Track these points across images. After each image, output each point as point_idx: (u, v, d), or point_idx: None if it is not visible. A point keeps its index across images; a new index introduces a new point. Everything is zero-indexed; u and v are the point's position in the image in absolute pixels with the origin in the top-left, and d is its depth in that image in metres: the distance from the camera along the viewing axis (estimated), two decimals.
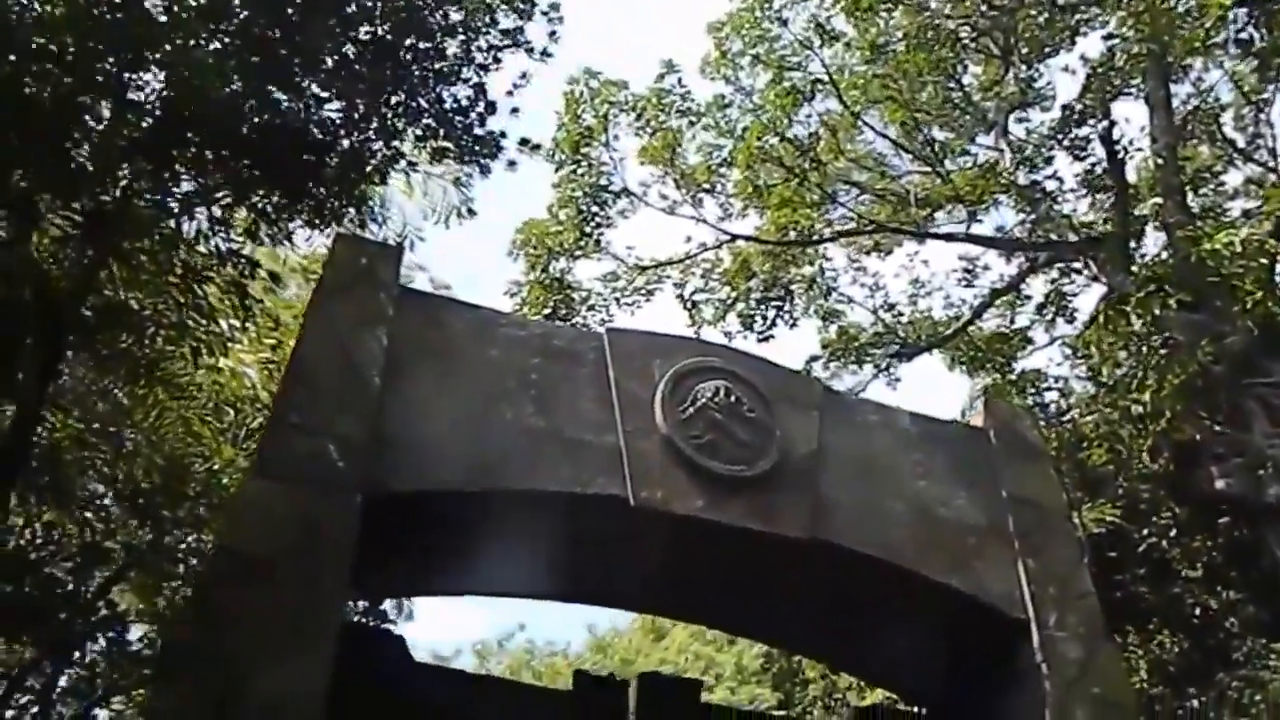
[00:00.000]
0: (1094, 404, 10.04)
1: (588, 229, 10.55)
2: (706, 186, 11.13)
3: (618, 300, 11.04)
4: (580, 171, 10.59)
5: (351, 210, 5.49)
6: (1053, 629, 6.17)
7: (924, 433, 6.99)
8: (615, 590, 6.68)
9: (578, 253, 10.57)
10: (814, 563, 6.24)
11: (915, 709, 7.97)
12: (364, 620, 9.25)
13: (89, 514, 6.57)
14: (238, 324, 6.46)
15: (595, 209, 10.55)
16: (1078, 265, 10.86)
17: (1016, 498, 6.81)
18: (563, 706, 6.24)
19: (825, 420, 6.64)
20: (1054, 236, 10.14)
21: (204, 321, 5.97)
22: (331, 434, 5.26)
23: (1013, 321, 12.65)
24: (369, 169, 5.34)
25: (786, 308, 11.18)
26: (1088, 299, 12.68)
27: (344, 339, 5.65)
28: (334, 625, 4.66)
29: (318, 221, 5.28)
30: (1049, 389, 12.42)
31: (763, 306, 10.98)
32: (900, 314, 12.12)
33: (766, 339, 11.40)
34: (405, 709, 5.48)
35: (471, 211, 7.37)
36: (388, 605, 15.71)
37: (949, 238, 11.24)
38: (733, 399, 6.36)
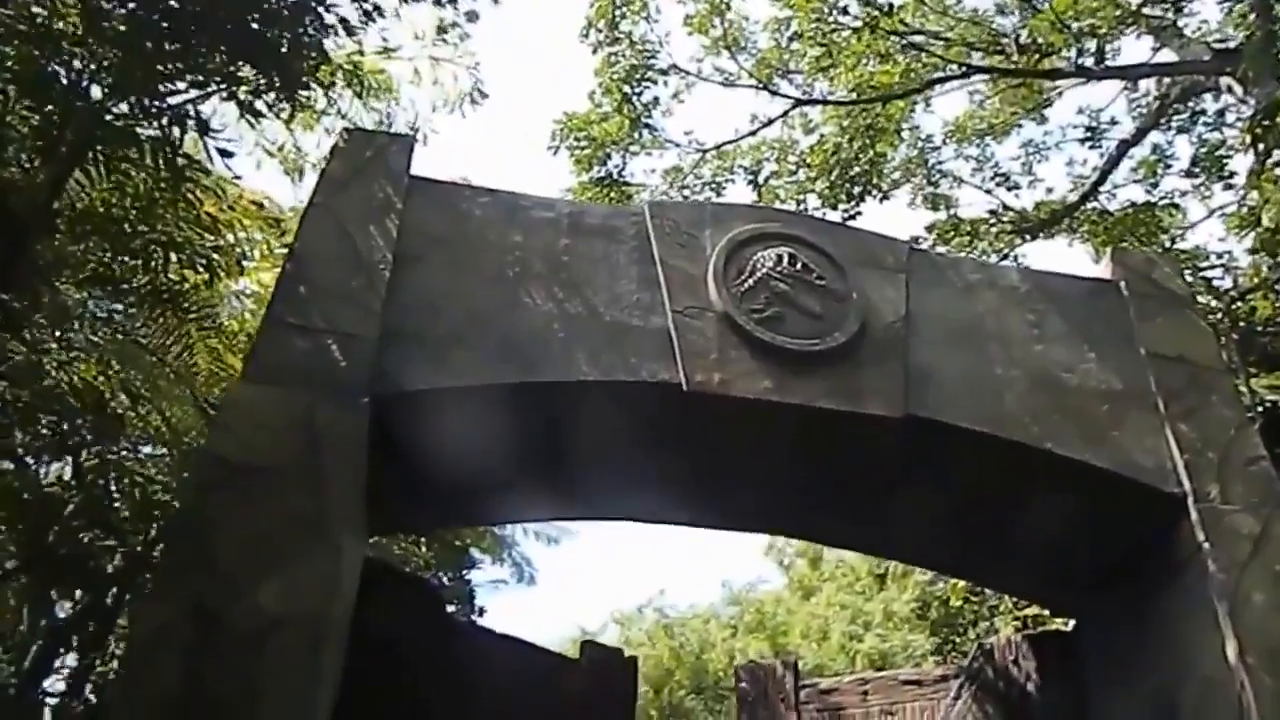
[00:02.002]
0: (1257, 257, 8.68)
1: (637, 115, 9.77)
2: (779, 69, 10.17)
3: (684, 198, 10.25)
4: (621, 51, 9.80)
5: (325, 83, 5.02)
6: (1215, 502, 5.23)
7: (1038, 290, 6.07)
8: (678, 504, 6.03)
9: (631, 146, 9.84)
10: (912, 448, 5.47)
11: (1064, 624, 7.07)
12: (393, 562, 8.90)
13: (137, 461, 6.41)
14: (246, 236, 6.14)
15: (643, 90, 9.73)
16: (1217, 91, 9.34)
17: (1159, 355, 5.83)
18: (574, 674, 5.82)
19: (915, 283, 5.83)
20: (1185, 57, 8.72)
21: (206, 235, 5.67)
22: (334, 332, 4.84)
23: (1156, 186, 11.17)
24: (329, 20, 4.84)
25: (875, 181, 10.03)
26: (1243, 163, 11.14)
27: (348, 231, 5.21)
28: (344, 538, 4.23)
29: (283, 89, 4.80)
30: (1210, 266, 10.98)
31: (848, 184, 9.90)
32: (1015, 185, 10.82)
33: (853, 218, 10.35)
34: (420, 655, 5.11)
35: (483, 94, 6.83)
36: (507, 572, 15.61)
37: (1056, 74, 9.87)
38: (799, 266, 5.63)
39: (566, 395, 5.10)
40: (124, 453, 6.11)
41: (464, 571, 12.05)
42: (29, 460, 6.57)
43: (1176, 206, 10.89)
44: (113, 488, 6.40)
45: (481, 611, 12.86)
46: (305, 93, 5.15)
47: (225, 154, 5.10)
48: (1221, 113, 10.27)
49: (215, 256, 5.69)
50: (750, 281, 5.51)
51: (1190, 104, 10.16)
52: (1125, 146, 10.74)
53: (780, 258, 5.62)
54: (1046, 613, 8.05)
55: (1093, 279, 6.29)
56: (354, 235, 5.20)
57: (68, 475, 6.76)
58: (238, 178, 5.62)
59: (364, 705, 4.75)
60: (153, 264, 5.55)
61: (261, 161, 7.57)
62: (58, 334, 5.22)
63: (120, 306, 5.91)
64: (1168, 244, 10.70)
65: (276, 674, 3.71)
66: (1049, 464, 5.39)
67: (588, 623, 26.52)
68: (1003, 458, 5.45)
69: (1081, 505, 5.59)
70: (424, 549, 9.61)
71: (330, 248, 5.13)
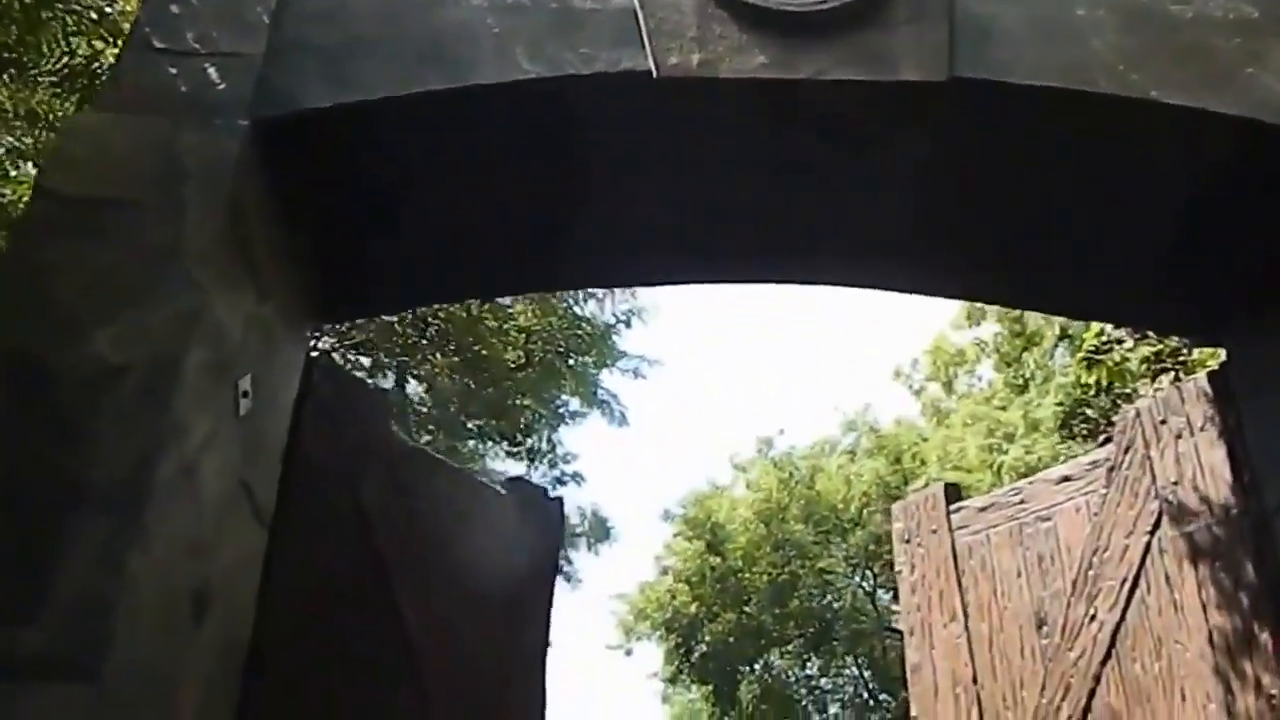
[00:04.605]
0: None
1: None
2: None
3: None
4: None
5: None
6: None
7: None
8: (661, 247, 4.93)
9: None
10: (968, 127, 4.24)
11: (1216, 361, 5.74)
12: (343, 367, 8.28)
13: None
14: None
15: None
16: None
17: None
18: (502, 507, 5.35)
19: None
20: None
21: None
22: (210, 53, 3.96)
23: None
24: None
25: None
26: None
27: None
28: (209, 277, 3.44)
29: None
30: None
31: None
32: None
33: None
34: (364, 466, 4.53)
35: None
36: (611, 404, 14.94)
37: None
38: None
39: (510, 107, 4.10)
40: None
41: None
42: None
43: None
44: None
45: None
46: None
47: None
48: None
49: (109, 11, 4.90)
50: None
51: None
52: None
53: None
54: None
55: None
56: None
57: None
58: None
59: (302, 515, 4.17)
60: (56, 37, 4.84)
61: None
62: None
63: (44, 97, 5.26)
64: None
65: (112, 429, 2.98)
66: (1157, 121, 4.07)
67: (716, 475, 26.13)
68: (1093, 122, 4.16)
69: (1209, 177, 4.27)
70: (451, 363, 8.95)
71: None
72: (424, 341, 9.07)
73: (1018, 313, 17.07)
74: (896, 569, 6.47)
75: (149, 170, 3.53)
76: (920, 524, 6.19)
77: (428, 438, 11.87)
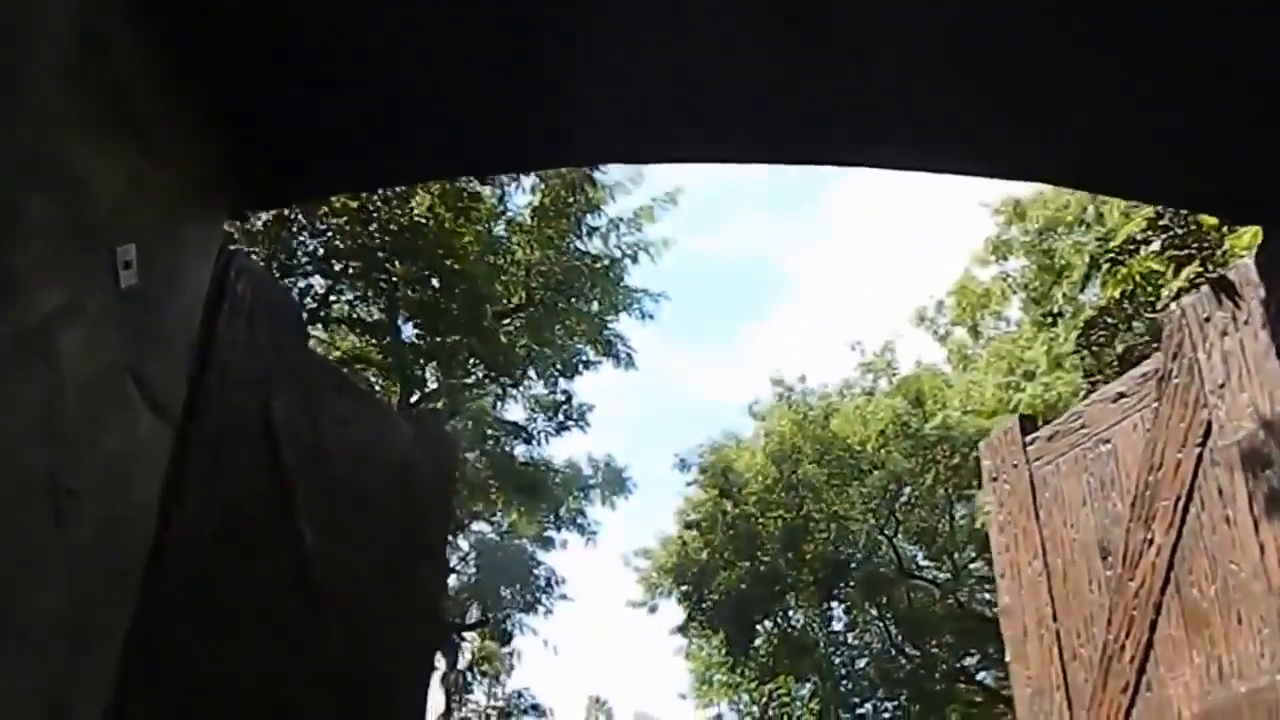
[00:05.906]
0: None
1: None
2: None
3: None
4: None
5: None
6: None
7: None
8: (655, 117, 4.17)
9: None
10: None
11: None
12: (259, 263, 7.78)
13: None
14: None
15: None
16: None
17: None
18: (404, 438, 5.20)
19: None
20: None
21: None
22: None
23: None
24: None
25: None
26: None
27: None
28: (54, 118, 2.89)
29: None
30: None
31: None
32: None
33: None
34: (268, 375, 4.07)
35: None
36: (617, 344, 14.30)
37: None
38: None
39: None
40: None
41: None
42: None
43: None
44: None
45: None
46: None
47: None
48: None
49: None
50: None
51: None
52: None
53: None
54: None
55: None
56: None
57: None
58: None
59: (213, 420, 3.72)
60: None
61: None
62: None
63: None
64: None
65: None
66: None
67: (734, 423, 25.62)
68: None
69: (1246, 39, 3.57)
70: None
71: None
72: (395, 261, 8.35)
73: (1045, 245, 16.32)
74: (984, 509, 6.12)
75: None
76: (1005, 459, 5.83)
77: (431, 378, 11.30)
